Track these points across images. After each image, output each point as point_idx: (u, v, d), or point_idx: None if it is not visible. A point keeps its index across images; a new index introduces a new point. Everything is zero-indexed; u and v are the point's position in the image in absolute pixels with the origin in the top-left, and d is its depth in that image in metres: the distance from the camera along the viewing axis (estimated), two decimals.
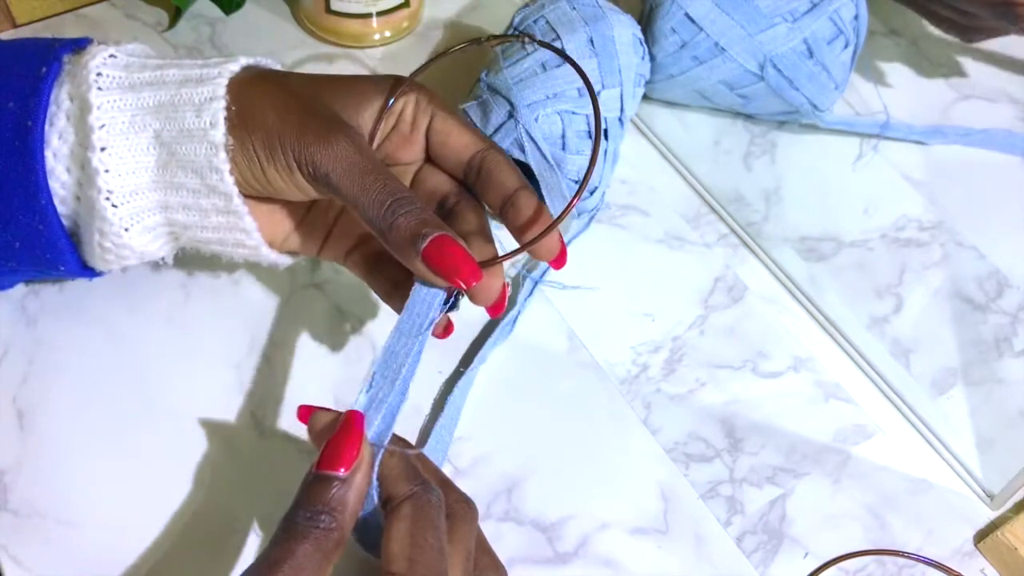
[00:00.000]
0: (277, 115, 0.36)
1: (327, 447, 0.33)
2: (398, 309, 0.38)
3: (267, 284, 0.49)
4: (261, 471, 0.44)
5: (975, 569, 0.44)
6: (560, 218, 0.36)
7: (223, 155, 0.36)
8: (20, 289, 0.47)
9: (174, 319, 0.48)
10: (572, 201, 0.36)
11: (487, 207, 0.40)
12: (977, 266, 0.54)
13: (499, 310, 0.39)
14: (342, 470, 0.32)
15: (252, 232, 0.38)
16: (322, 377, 0.46)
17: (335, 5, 0.58)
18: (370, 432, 0.34)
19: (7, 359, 0.46)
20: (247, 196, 0.38)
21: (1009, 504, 0.46)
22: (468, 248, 0.35)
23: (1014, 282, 0.54)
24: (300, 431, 0.45)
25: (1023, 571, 0.43)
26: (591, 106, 0.49)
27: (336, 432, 0.33)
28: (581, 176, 0.49)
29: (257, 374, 0.46)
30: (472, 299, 0.38)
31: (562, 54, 0.40)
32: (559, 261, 0.39)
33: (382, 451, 0.34)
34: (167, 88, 0.37)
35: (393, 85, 0.39)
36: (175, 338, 0.47)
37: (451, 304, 0.38)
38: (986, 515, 0.46)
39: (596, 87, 0.49)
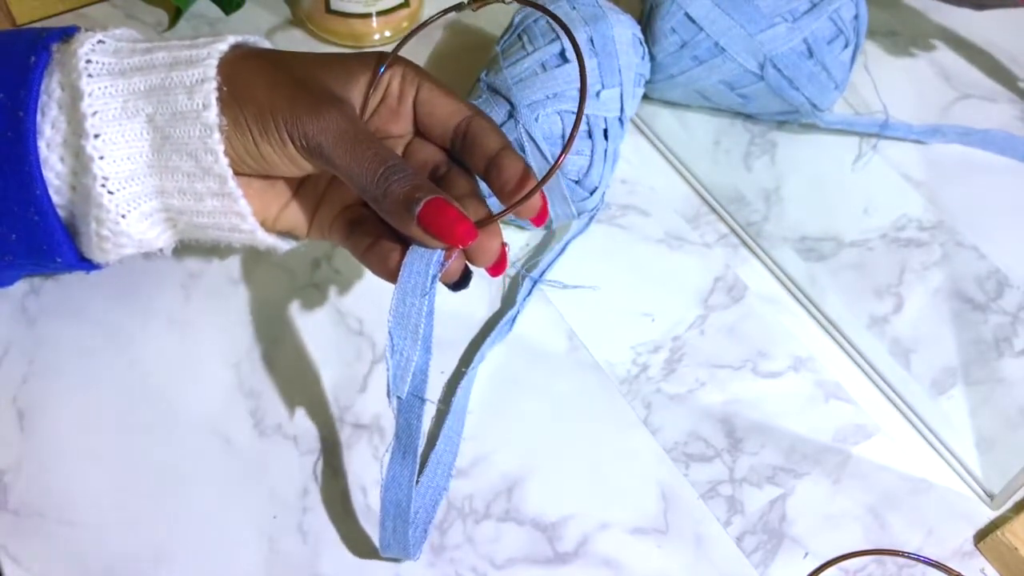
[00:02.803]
0: (268, 90, 0.36)
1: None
2: (371, 266, 0.39)
3: (267, 284, 0.49)
4: (261, 471, 0.44)
5: (975, 569, 0.44)
6: (545, 179, 0.36)
7: (217, 136, 0.36)
8: (20, 289, 0.47)
9: (174, 319, 0.48)
10: (559, 159, 0.36)
11: (474, 172, 0.40)
12: (977, 266, 0.54)
13: (500, 270, 0.40)
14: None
15: (247, 216, 0.38)
16: (322, 377, 0.46)
17: (335, 5, 0.58)
18: (404, 391, 0.36)
19: (7, 359, 0.46)
20: (240, 174, 0.38)
21: (1009, 504, 0.46)
22: (463, 208, 0.36)
23: (1014, 282, 0.54)
24: (300, 431, 0.45)
25: (1023, 571, 0.43)
26: (591, 106, 0.49)
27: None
28: (581, 176, 0.49)
29: (257, 374, 0.46)
30: (472, 260, 0.38)
31: (543, 9, 0.40)
32: (540, 219, 0.40)
33: (423, 404, 0.36)
34: (157, 72, 0.36)
35: (379, 59, 0.39)
36: (175, 338, 0.47)
37: (463, 281, 0.38)
38: (986, 515, 0.46)
39: (596, 87, 0.49)
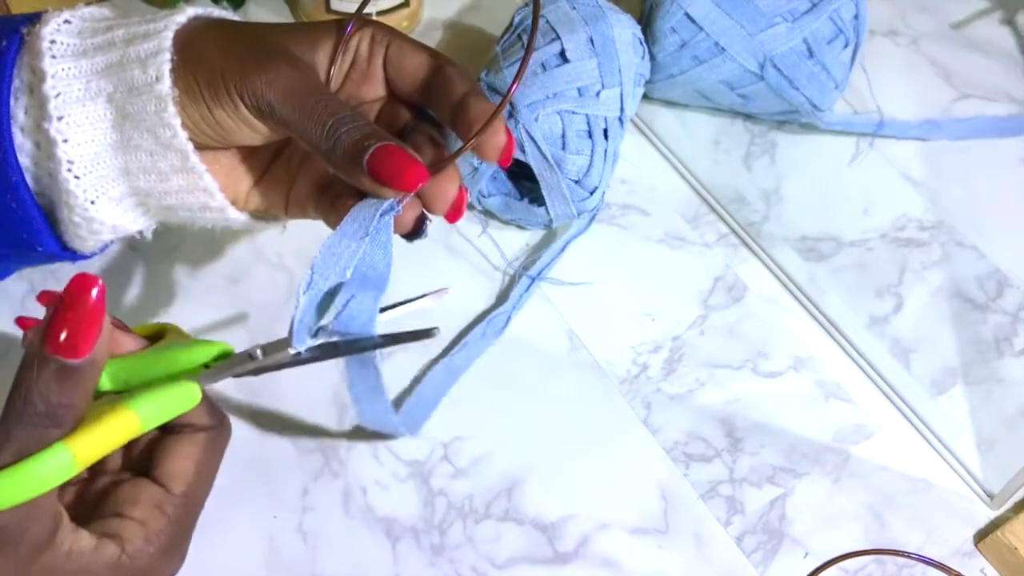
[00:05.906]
0: (221, 54, 0.35)
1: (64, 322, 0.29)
2: (333, 225, 0.37)
3: (267, 284, 0.49)
4: (261, 471, 0.44)
5: (975, 569, 0.44)
6: (500, 107, 0.35)
7: (172, 109, 0.35)
8: (20, 289, 0.47)
9: (174, 319, 0.48)
10: (517, 78, 0.35)
11: (443, 123, 0.39)
12: (977, 266, 0.54)
13: (457, 216, 0.38)
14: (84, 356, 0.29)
15: (214, 192, 0.37)
16: (322, 377, 0.46)
17: (335, 5, 0.58)
18: (305, 339, 0.34)
19: (7, 359, 0.46)
20: (203, 147, 0.37)
21: (1009, 504, 0.46)
22: (418, 155, 0.34)
23: (1014, 282, 0.54)
24: (300, 431, 0.45)
25: (1023, 571, 0.43)
26: (591, 106, 0.49)
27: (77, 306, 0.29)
28: (581, 176, 0.49)
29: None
30: (428, 207, 0.37)
31: None
32: (505, 158, 0.37)
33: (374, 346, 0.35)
34: (116, 49, 0.36)
35: (344, 23, 0.38)
36: None
37: (417, 231, 0.36)
38: (986, 515, 0.46)
39: (596, 87, 0.49)
